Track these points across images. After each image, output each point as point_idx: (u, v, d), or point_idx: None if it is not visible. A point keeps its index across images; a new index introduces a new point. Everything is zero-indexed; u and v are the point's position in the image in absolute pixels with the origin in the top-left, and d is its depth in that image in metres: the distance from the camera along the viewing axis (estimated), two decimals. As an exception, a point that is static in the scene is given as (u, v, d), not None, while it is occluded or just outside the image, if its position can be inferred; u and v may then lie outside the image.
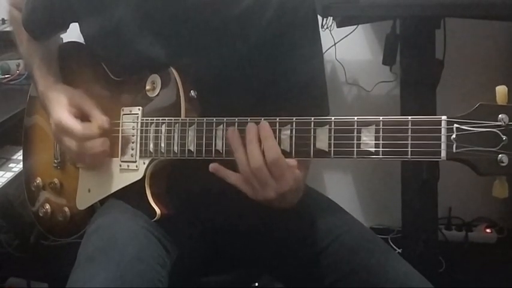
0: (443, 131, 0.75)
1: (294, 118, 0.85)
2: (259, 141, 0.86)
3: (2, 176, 1.47)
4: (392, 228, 2.20)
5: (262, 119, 0.87)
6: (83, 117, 1.03)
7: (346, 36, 1.99)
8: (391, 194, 2.02)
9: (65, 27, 1.14)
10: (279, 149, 0.85)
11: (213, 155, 0.91)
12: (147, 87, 0.99)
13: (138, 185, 0.98)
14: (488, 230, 2.21)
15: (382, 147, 0.79)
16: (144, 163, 0.98)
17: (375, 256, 0.98)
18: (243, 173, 0.87)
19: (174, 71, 0.96)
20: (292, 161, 0.88)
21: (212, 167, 0.90)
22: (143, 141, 0.98)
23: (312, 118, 0.84)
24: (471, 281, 1.94)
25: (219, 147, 0.90)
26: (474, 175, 0.76)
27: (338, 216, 1.06)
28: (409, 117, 0.77)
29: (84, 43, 1.09)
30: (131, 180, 0.99)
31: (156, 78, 0.98)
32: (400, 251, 1.87)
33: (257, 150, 0.85)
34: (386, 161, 0.80)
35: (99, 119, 1.02)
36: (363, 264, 0.97)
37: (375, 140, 0.79)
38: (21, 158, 1.29)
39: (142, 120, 0.99)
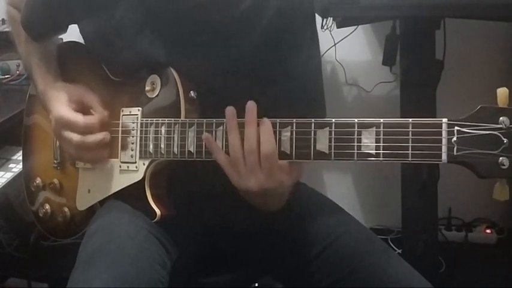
0: (444, 133, 0.75)
1: (294, 120, 0.85)
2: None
3: (2, 176, 1.47)
4: (392, 228, 2.20)
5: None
6: (83, 112, 1.03)
7: (346, 37, 1.99)
8: (391, 194, 2.02)
9: (64, 29, 1.14)
10: (275, 145, 0.85)
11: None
12: (147, 88, 0.99)
13: (138, 186, 0.98)
14: (488, 231, 2.21)
15: (383, 150, 0.79)
16: (144, 164, 0.98)
17: (375, 256, 0.98)
18: (233, 155, 0.86)
19: (173, 71, 0.96)
20: (284, 164, 0.87)
21: (205, 135, 0.90)
22: (143, 142, 0.98)
23: (312, 120, 0.83)
24: (471, 281, 1.94)
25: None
26: (474, 176, 0.76)
27: (338, 216, 1.06)
28: (410, 119, 0.77)
29: (83, 43, 1.09)
30: (131, 181, 0.99)
31: (155, 78, 0.98)
32: (400, 251, 1.87)
33: (254, 134, 0.85)
34: (386, 162, 0.79)
35: (100, 112, 1.02)
36: (363, 264, 0.96)
37: (376, 143, 0.79)
38: (21, 158, 1.29)
39: (142, 121, 0.99)
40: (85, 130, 1.00)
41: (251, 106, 0.86)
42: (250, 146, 0.86)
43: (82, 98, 1.04)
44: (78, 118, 1.01)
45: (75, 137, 1.01)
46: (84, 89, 1.06)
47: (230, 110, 0.88)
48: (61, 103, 1.04)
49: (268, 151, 0.85)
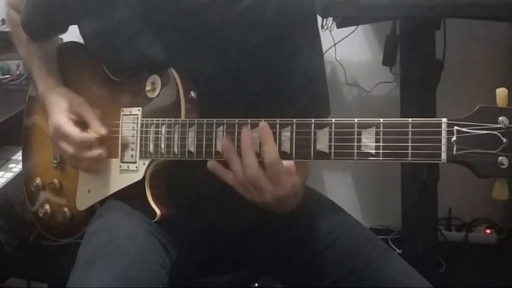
0: (443, 133, 0.75)
1: (294, 119, 0.85)
2: (255, 145, 0.85)
3: (2, 176, 1.47)
4: (392, 228, 2.20)
5: (262, 120, 0.86)
6: (82, 124, 1.04)
7: (346, 37, 1.99)
8: (391, 194, 2.02)
9: (64, 29, 1.14)
10: (277, 153, 0.85)
11: (213, 156, 0.90)
12: (147, 88, 0.99)
13: (138, 185, 0.98)
14: (488, 231, 2.21)
15: (383, 149, 0.79)
16: (144, 164, 0.98)
17: (375, 256, 0.98)
18: (239, 181, 0.87)
19: (174, 71, 0.96)
20: (290, 167, 0.88)
21: (210, 164, 0.90)
22: (143, 142, 0.98)
23: (312, 120, 0.84)
24: (471, 281, 1.94)
25: (219, 148, 0.90)
26: (474, 176, 0.76)
27: (338, 216, 1.06)
28: (410, 119, 0.77)
29: (83, 43, 1.09)
30: (131, 181, 0.99)
31: (156, 78, 0.98)
32: (400, 251, 1.87)
33: (252, 159, 0.85)
34: (386, 162, 0.79)
35: (98, 129, 1.02)
36: (363, 264, 0.97)
37: (375, 142, 0.79)
38: (21, 158, 1.29)
39: (142, 121, 0.99)
40: (81, 145, 1.01)
41: (245, 133, 0.86)
42: (252, 173, 0.86)
43: (81, 112, 1.05)
44: (75, 133, 1.01)
45: (70, 149, 1.02)
46: (84, 103, 1.06)
47: (226, 142, 0.88)
48: (60, 111, 1.04)
49: (271, 161, 0.85)
